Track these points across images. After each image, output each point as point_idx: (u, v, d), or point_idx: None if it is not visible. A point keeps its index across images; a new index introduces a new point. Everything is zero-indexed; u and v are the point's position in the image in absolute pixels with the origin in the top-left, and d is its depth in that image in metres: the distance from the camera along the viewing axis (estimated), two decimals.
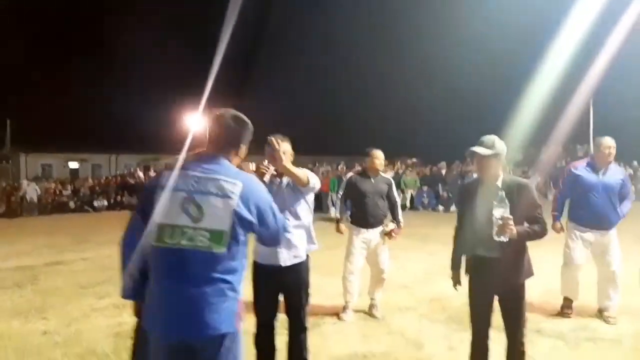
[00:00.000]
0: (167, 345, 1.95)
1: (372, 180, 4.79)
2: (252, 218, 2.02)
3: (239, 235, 2.00)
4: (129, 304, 2.26)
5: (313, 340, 4.13)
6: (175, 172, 2.02)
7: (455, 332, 4.28)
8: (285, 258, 3.11)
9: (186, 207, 1.96)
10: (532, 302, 4.39)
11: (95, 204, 19.15)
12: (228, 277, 1.98)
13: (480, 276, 2.97)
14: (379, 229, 4.76)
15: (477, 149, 2.86)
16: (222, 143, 2.11)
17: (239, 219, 1.98)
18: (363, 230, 4.71)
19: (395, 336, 4.24)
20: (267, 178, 2.96)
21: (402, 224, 4.88)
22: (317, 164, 19.47)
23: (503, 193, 2.72)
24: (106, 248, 8.75)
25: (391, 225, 4.80)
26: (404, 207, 16.45)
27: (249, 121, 2.20)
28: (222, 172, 2.02)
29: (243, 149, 2.19)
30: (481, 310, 2.99)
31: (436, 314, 4.81)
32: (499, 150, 2.84)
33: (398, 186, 16.91)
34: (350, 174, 5.03)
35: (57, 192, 19.72)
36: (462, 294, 3.10)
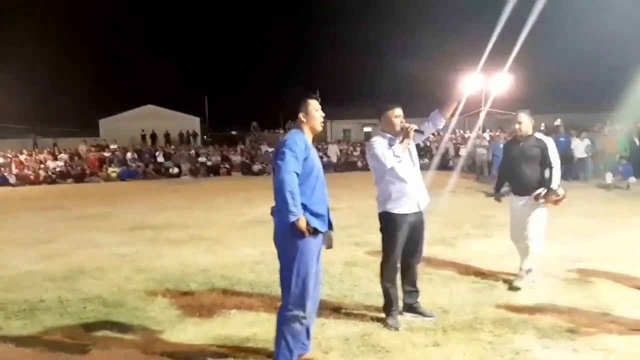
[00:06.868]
0: None
1: (520, 145, 4.59)
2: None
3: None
4: None
5: (499, 291, 4.52)
6: None
7: None
8: (423, 202, 3.83)
9: None
10: None
11: None
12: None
13: None
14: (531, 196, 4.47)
15: None
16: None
17: None
18: (516, 197, 4.62)
19: (587, 299, 4.23)
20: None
21: (555, 189, 4.38)
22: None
23: None
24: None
25: (538, 190, 4.43)
26: None
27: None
28: None
29: (301, 114, 3.08)
30: None
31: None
32: None
33: None
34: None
35: (349, 153, 23.22)
36: None
